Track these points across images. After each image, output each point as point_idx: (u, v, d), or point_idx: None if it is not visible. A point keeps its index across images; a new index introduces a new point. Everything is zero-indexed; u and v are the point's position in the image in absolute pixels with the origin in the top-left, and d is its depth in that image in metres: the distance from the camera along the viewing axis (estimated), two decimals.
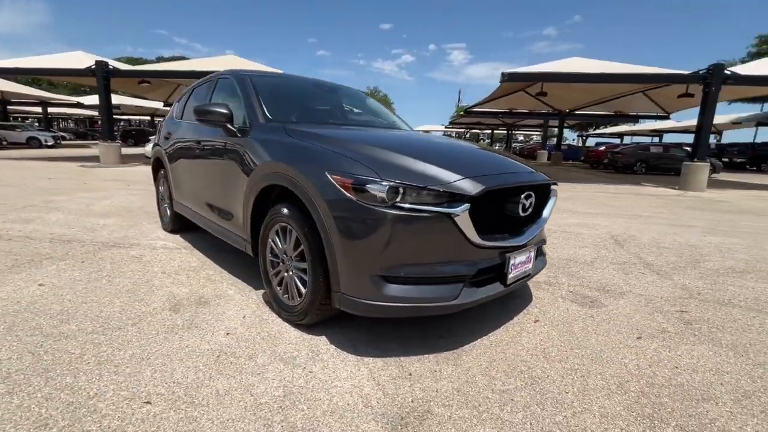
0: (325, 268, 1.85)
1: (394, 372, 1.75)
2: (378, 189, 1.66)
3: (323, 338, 2.02)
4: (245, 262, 3.16)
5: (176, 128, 3.68)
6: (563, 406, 1.55)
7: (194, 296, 2.50)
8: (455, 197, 1.71)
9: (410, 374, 1.74)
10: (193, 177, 3.20)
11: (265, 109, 2.58)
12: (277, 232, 2.18)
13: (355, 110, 3.44)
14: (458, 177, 1.75)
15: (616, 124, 37.43)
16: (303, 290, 2.03)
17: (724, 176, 16.83)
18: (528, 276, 2.16)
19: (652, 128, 32.38)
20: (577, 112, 20.98)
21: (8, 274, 2.74)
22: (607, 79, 10.75)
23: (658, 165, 16.43)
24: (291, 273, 2.11)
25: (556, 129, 26.64)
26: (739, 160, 22.65)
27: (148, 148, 12.74)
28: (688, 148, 17.64)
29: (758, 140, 23.46)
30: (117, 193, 6.51)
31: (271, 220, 2.19)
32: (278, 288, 2.25)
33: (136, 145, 24.52)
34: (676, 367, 1.87)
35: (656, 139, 36.29)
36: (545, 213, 2.26)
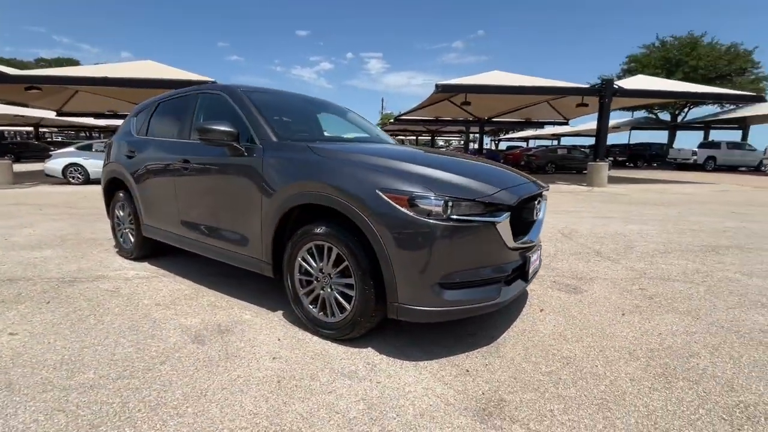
0: (378, 281, 1.94)
1: (452, 371, 1.90)
2: (433, 203, 1.81)
3: (370, 350, 2.09)
4: (243, 284, 3.03)
5: (144, 146, 3.36)
6: (600, 377, 1.85)
7: (211, 325, 2.36)
8: (497, 207, 1.93)
9: (467, 371, 1.90)
10: (180, 199, 2.97)
11: (273, 127, 2.55)
12: (309, 251, 2.19)
13: (348, 125, 3.51)
14: (496, 189, 1.97)
15: (522, 129, 41.85)
16: (346, 305, 2.07)
17: (613, 173, 19.91)
18: (537, 271, 2.47)
19: (551, 132, 36.81)
20: (494, 120, 23.09)
21: None
22: (523, 91, 12.13)
23: (564, 165, 18.81)
24: (330, 290, 2.14)
25: (475, 134, 28.97)
26: (620, 159, 26.95)
27: (50, 165, 10.98)
28: (585, 150, 20.50)
29: (632, 142, 28.12)
30: (34, 220, 5.58)
31: (300, 239, 2.19)
32: (311, 306, 2.25)
33: (18, 161, 20.83)
34: (660, 334, 2.31)
35: (555, 142, 41.23)
36: (542, 215, 2.60)
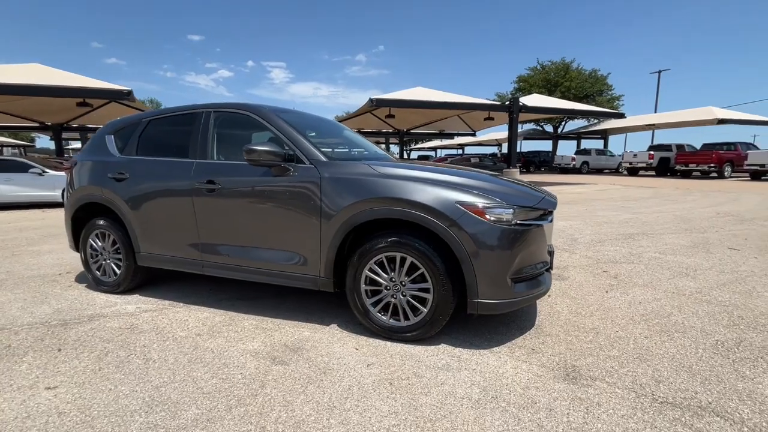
0: (456, 283, 2.21)
1: (522, 352, 2.26)
2: (504, 212, 2.16)
3: (444, 345, 2.33)
4: (267, 304, 3.00)
5: (140, 167, 3.08)
6: (625, 339, 2.38)
7: (277, 346, 2.35)
8: (543, 212, 2.36)
9: (533, 349, 2.28)
10: (202, 222, 2.81)
11: (317, 146, 2.64)
12: (378, 263, 2.36)
13: (353, 142, 3.64)
14: (539, 198, 2.41)
15: (430, 140, 45.08)
16: (421, 308, 2.30)
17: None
18: None
19: (457, 143, 40.36)
20: (412, 131, 24.60)
21: None
22: (448, 106, 13.36)
23: None
24: (402, 296, 2.34)
25: (391, 145, 30.39)
26: (517, 165, 30.89)
27: None
28: (492, 157, 23.05)
29: (524, 150, 32.38)
30: None
31: (368, 253, 2.35)
32: (380, 314, 2.41)
33: None
34: (640, 303, 3.00)
35: (459, 151, 45.15)
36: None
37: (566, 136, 30.48)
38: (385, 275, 2.36)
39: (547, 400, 1.79)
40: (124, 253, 3.20)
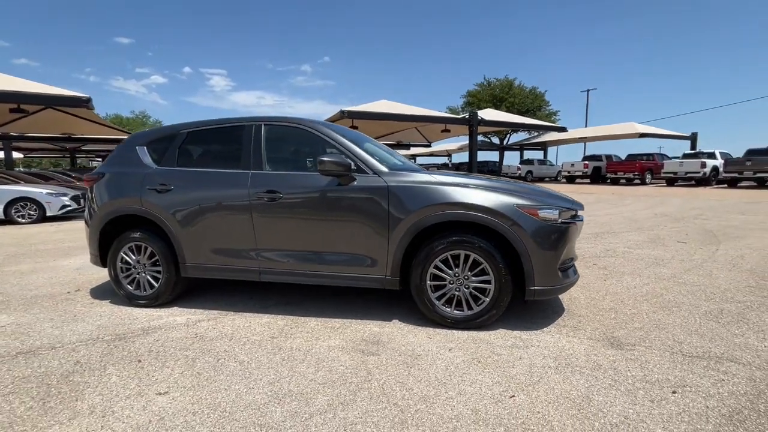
0: (515, 274, 2.59)
1: (567, 330, 2.68)
2: (553, 213, 2.59)
3: (502, 330, 2.69)
4: (321, 303, 3.17)
5: (187, 177, 3.11)
6: (639, 315, 2.91)
7: (357, 341, 2.55)
8: (576, 213, 2.83)
9: (575, 328, 2.71)
10: (263, 231, 2.91)
11: (375, 156, 2.91)
12: (443, 260, 2.67)
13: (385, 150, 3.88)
14: (572, 200, 2.87)
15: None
16: (483, 297, 2.65)
17: None
18: None
19: (411, 153, 41.63)
20: None
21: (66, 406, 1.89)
22: (414, 119, 14.02)
23: None
24: (465, 289, 2.67)
25: None
26: None
27: None
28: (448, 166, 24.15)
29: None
30: None
31: (434, 252, 2.65)
32: (444, 306, 2.71)
33: None
34: (635, 287, 3.59)
35: (445, 160, 46.60)
36: None
37: (511, 148, 32.89)
38: (450, 271, 2.68)
39: (609, 362, 2.21)
40: (164, 265, 3.17)
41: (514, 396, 1.90)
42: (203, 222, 3.06)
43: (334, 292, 3.51)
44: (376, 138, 23.04)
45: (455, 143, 34.12)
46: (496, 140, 33.08)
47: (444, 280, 2.71)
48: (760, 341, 2.45)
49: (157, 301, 3.23)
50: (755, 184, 17.09)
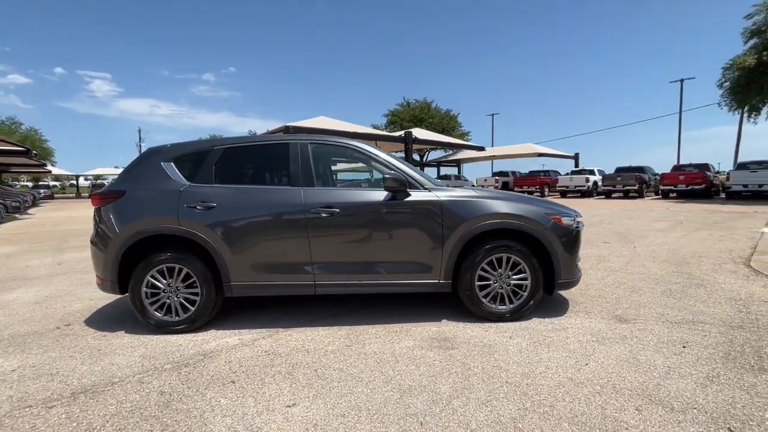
0: (547, 272, 3.14)
1: (584, 315, 3.30)
2: (571, 219, 3.22)
3: (534, 319, 3.21)
4: (367, 311, 3.36)
5: (233, 195, 3.06)
6: (647, 292, 3.71)
7: (427, 340, 2.82)
8: (580, 220, 3.52)
9: (587, 312, 3.36)
10: (319, 246, 3.01)
11: (420, 174, 3.25)
12: (489, 263, 3.11)
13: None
14: (574, 211, 3.56)
15: None
16: (521, 293, 3.15)
17: None
18: None
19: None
20: None
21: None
22: (357, 137, 14.44)
23: None
24: (507, 286, 3.14)
25: None
26: None
27: None
28: None
29: None
30: None
31: (482, 256, 3.08)
32: (489, 303, 3.14)
33: None
34: (602, 278, 4.48)
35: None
36: None
37: (429, 164, 35.34)
38: (494, 272, 3.13)
39: (628, 332, 2.86)
40: (203, 286, 3.03)
41: (587, 364, 2.40)
42: (253, 239, 3.03)
43: (374, 300, 3.69)
44: None
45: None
46: (416, 157, 35.28)
47: (488, 280, 3.14)
48: (708, 308, 3.37)
49: (193, 325, 3.06)
50: (623, 195, 21.22)
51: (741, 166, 17.78)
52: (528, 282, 3.14)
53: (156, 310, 3.06)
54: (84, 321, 3.43)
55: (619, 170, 22.17)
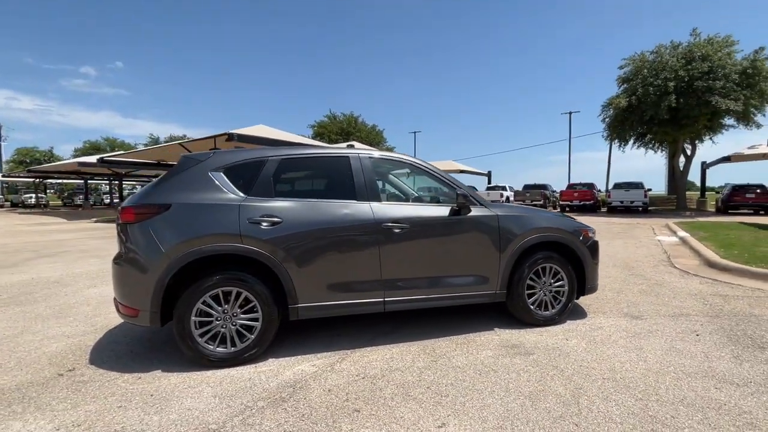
0: (581, 278, 3.56)
1: (603, 315, 3.80)
2: (592, 232, 3.71)
3: (569, 322, 3.59)
4: (420, 325, 3.39)
5: (300, 210, 2.85)
6: (647, 278, 4.35)
7: (501, 348, 2.97)
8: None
9: (604, 312, 3.87)
10: (389, 262, 2.96)
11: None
12: (535, 273, 3.42)
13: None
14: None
15: None
16: (561, 299, 3.51)
17: None
18: None
19: None
20: None
21: None
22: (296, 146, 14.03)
23: None
24: (549, 293, 3.47)
25: None
26: None
27: None
28: None
29: None
30: None
31: (531, 266, 3.38)
32: (537, 309, 3.43)
33: None
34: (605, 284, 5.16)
35: None
36: None
37: None
38: (539, 280, 3.44)
39: (651, 327, 3.40)
40: (265, 310, 2.74)
41: (646, 356, 2.80)
42: (323, 257, 2.86)
43: (400, 318, 3.69)
44: None
45: None
46: None
47: (534, 288, 3.44)
48: (682, 303, 4.16)
49: (254, 351, 2.74)
50: None
51: (617, 186, 21.80)
52: (566, 288, 3.52)
53: (208, 341, 2.67)
54: (88, 362, 2.80)
55: (527, 187, 25.34)
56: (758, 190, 18.84)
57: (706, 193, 25.01)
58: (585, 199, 21.89)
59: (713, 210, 21.07)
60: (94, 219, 18.28)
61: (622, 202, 20.63)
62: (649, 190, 21.67)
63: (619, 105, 19.39)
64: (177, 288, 2.66)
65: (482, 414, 2.10)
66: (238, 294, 2.71)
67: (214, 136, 15.25)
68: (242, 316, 2.74)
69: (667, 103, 17.40)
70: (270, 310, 2.76)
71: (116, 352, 2.99)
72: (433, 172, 3.37)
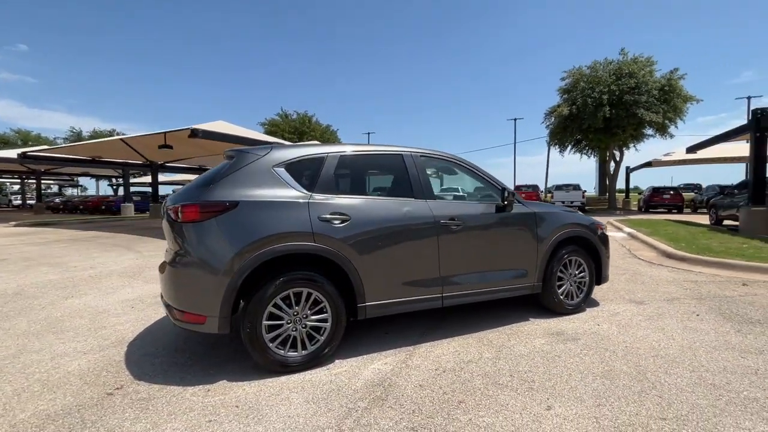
0: (598, 269, 3.91)
1: (612, 302, 4.20)
2: (604, 228, 4.09)
3: (589, 310, 3.92)
4: (462, 317, 3.51)
5: (365, 207, 2.82)
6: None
7: (546, 335, 3.19)
8: None
9: (612, 300, 4.28)
10: (446, 258, 3.03)
11: None
12: (564, 265, 3.70)
13: None
14: None
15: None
16: (583, 288, 3.83)
17: None
18: None
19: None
20: (167, 165, 21.21)
21: None
22: (254, 143, 13.46)
23: None
24: (574, 284, 3.78)
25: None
26: None
27: None
28: None
29: None
30: None
31: (560, 259, 3.65)
32: (565, 299, 3.71)
33: None
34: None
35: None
36: None
37: None
38: (567, 272, 3.73)
39: (659, 311, 3.84)
40: (334, 310, 2.68)
41: (672, 336, 3.18)
42: (389, 255, 2.86)
43: (431, 315, 3.78)
44: (184, 160, 19.78)
45: None
46: None
47: (562, 280, 3.72)
48: (668, 288, 4.73)
49: (325, 352, 2.66)
50: None
51: (558, 188, 23.83)
52: (587, 279, 3.85)
53: (278, 346, 2.54)
54: (133, 378, 2.53)
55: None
56: (672, 192, 21.79)
57: (630, 194, 28.28)
58: (531, 199, 23.45)
59: (636, 209, 23.89)
60: (14, 223, 15.90)
61: (563, 202, 22.54)
62: (585, 191, 24.03)
63: (561, 113, 21.21)
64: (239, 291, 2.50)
65: (576, 395, 2.26)
66: (309, 295, 2.62)
67: (165, 132, 14.13)
68: (312, 317, 2.64)
69: (602, 113, 19.44)
70: (339, 310, 2.69)
71: (158, 365, 2.71)
72: (475, 170, 3.50)
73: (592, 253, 3.91)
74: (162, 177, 32.64)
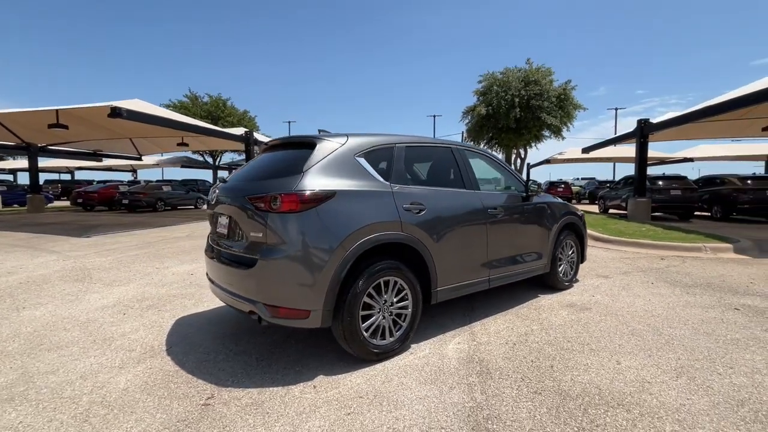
0: (581, 249, 4.62)
1: (586, 276, 4.99)
2: (582, 213, 4.83)
3: (579, 283, 4.62)
4: (486, 299, 3.87)
5: (434, 197, 2.95)
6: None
7: (564, 308, 3.71)
8: None
9: (585, 276, 5.07)
10: (489, 244, 3.32)
11: None
12: (562, 247, 4.30)
13: None
14: None
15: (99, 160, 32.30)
16: (574, 266, 4.50)
17: None
18: None
19: (115, 164, 31.16)
20: (52, 148, 17.63)
21: None
22: (198, 130, 12.07)
23: (172, 202, 18.56)
24: (568, 263, 4.42)
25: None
26: None
27: None
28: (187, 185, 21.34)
29: (183, 178, 30.83)
30: None
31: (562, 242, 4.24)
32: (563, 277, 4.33)
33: None
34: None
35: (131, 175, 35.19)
36: None
37: (221, 167, 32.27)
38: (564, 252, 4.34)
39: (623, 282, 4.70)
40: (413, 297, 2.78)
41: (650, 300, 3.97)
42: (455, 242, 3.04)
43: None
44: (74, 143, 17.02)
45: (154, 158, 29.26)
46: (210, 159, 31.53)
47: (560, 260, 4.33)
48: (619, 265, 5.75)
49: (407, 339, 2.75)
50: None
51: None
52: (576, 258, 4.53)
53: (371, 335, 2.55)
54: (216, 385, 2.30)
55: None
56: (563, 186, 25.68)
57: None
58: (567, 194, 25.11)
59: None
60: None
61: None
62: None
63: (479, 113, 23.22)
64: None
65: (627, 350, 2.75)
66: (395, 283, 2.67)
67: (56, 109, 11.84)
68: (397, 305, 2.70)
69: (513, 115, 21.85)
70: (418, 296, 2.80)
71: (229, 370, 2.50)
72: (500, 163, 3.86)
73: (579, 236, 4.61)
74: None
